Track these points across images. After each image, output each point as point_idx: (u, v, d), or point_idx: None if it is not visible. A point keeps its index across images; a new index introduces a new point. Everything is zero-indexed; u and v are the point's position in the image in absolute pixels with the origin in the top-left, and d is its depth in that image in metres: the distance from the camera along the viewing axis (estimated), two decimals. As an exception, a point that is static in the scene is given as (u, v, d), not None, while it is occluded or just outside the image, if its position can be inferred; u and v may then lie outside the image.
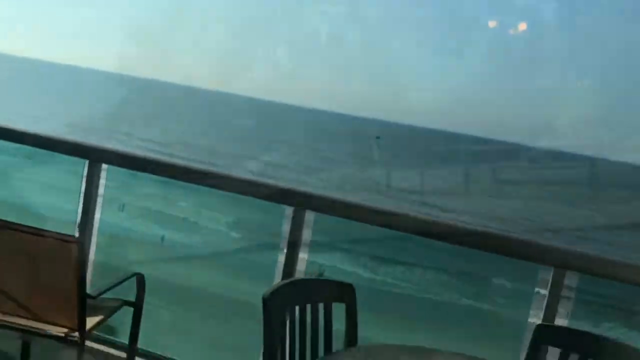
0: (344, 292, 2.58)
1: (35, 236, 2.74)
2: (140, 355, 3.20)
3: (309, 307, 2.46)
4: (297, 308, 2.42)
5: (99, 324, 2.91)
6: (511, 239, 3.10)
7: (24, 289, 2.83)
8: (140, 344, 3.20)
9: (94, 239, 3.52)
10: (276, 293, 2.32)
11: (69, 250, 2.65)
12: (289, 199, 3.18)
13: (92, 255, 3.48)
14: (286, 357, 2.31)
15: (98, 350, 3.26)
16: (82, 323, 2.73)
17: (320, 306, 2.50)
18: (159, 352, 3.35)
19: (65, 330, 2.77)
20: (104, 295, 2.98)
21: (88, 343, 3.05)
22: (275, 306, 2.27)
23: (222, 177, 3.38)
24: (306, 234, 3.15)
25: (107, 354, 3.29)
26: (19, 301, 2.83)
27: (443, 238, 3.03)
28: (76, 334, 2.74)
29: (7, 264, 2.80)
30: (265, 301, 2.24)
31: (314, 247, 3.12)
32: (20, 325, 2.83)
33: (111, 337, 3.33)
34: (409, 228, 3.16)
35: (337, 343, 2.54)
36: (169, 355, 3.35)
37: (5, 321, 2.83)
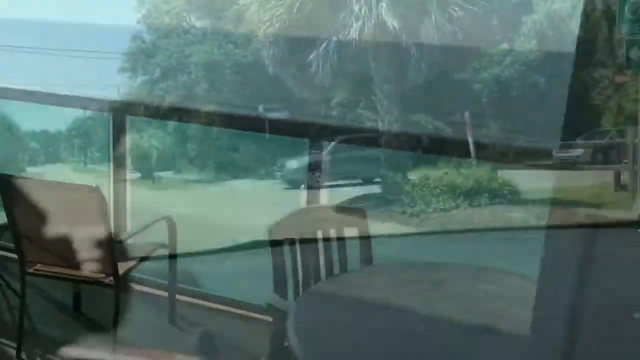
0: (356, 216, 2.61)
1: (62, 190, 2.90)
2: (180, 293, 3.36)
3: (320, 232, 2.51)
4: (307, 235, 2.48)
5: (134, 266, 3.08)
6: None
7: (62, 241, 3.01)
8: (185, 283, 3.39)
9: (128, 188, 3.67)
10: (283, 223, 2.38)
11: (93, 199, 2.78)
12: (304, 131, 3.21)
13: (128, 204, 3.65)
14: (299, 279, 2.38)
15: (140, 291, 3.44)
16: (115, 267, 2.89)
17: (332, 231, 2.54)
18: (196, 289, 3.50)
19: (102, 275, 2.94)
20: (141, 241, 3.16)
21: (132, 285, 3.24)
22: (281, 235, 2.33)
23: (225, 116, 3.43)
24: (325, 164, 3.19)
25: (149, 294, 3.46)
26: (59, 252, 3.02)
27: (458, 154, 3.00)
28: (111, 278, 2.91)
29: (44, 219, 2.97)
30: (270, 232, 2.30)
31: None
32: (63, 274, 3.02)
33: (152, 278, 3.50)
34: (433, 148, 3.15)
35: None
36: (206, 292, 3.50)
37: (49, 271, 3.04)
